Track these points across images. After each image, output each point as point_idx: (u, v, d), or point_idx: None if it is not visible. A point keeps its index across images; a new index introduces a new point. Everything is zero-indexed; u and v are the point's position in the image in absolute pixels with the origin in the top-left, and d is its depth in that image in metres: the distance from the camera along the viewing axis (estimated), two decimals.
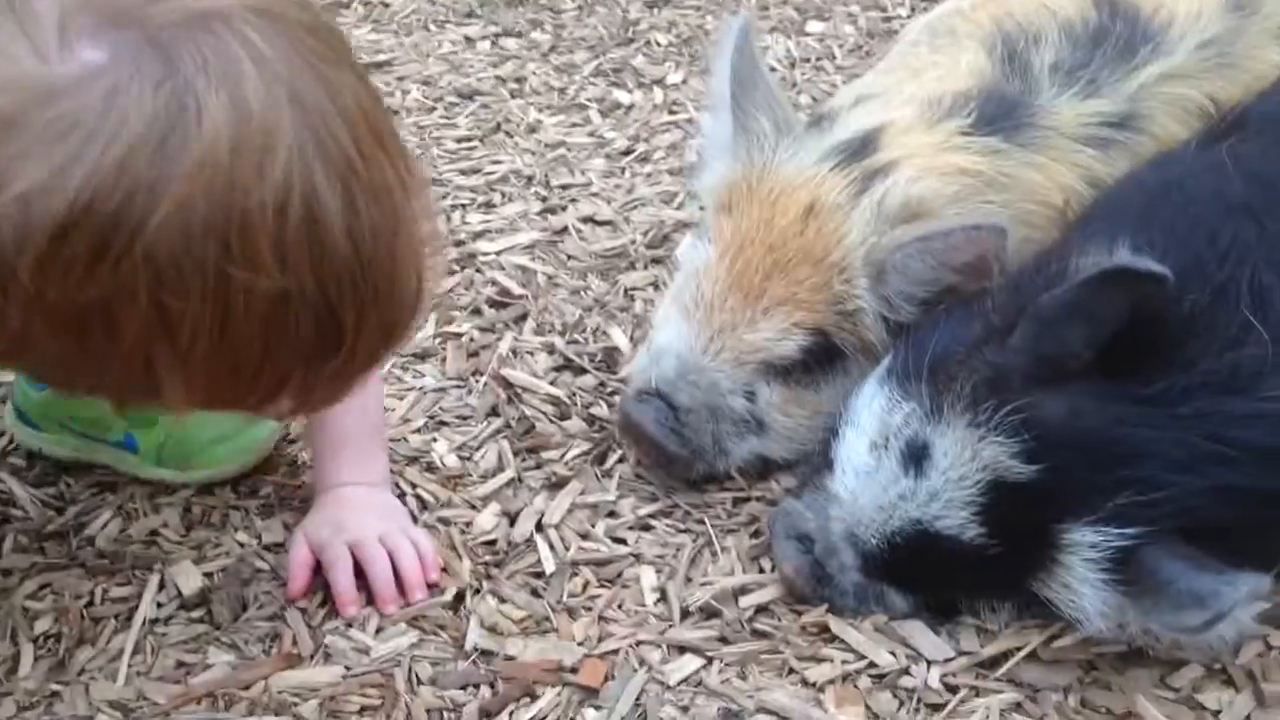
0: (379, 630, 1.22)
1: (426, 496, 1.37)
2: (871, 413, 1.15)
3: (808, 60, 2.39)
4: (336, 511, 1.27)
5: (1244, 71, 1.51)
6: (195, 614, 1.24)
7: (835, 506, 1.15)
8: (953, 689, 1.11)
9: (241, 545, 1.32)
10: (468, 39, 2.52)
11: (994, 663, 1.13)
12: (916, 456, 1.09)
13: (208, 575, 1.28)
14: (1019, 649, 1.12)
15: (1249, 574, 0.93)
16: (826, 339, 1.27)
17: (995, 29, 1.52)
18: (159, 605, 1.25)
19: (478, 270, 1.76)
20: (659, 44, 2.47)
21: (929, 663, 1.12)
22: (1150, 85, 1.44)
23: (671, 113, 2.20)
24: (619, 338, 1.60)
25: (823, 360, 1.28)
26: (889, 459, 1.11)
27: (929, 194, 1.24)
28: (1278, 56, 1.54)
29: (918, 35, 1.64)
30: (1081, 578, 1.01)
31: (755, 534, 1.29)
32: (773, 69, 2.36)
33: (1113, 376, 1.04)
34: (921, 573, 1.13)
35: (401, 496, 1.35)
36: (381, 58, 2.43)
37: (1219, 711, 1.07)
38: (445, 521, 1.34)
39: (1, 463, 1.42)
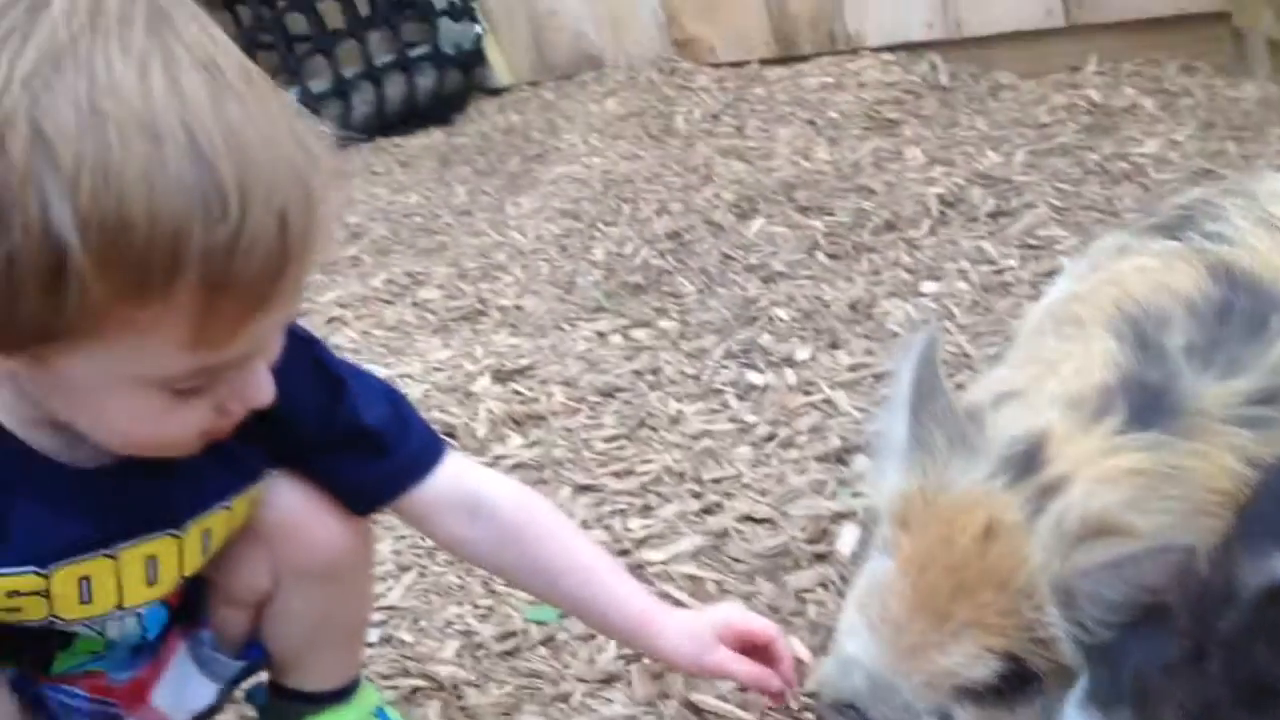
0: None
1: None
2: None
3: (927, 322, 2.47)
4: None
5: None
6: None
7: None
8: None
9: None
10: (600, 334, 2.67)
11: None
12: None
13: None
14: None
15: None
16: (1019, 663, 1.28)
17: (1119, 313, 1.57)
18: None
19: (649, 583, 1.82)
20: (781, 320, 2.59)
21: None
22: None
23: (806, 393, 2.28)
24: (799, 648, 1.63)
25: (1016, 684, 1.29)
26: None
27: (1107, 506, 1.28)
28: None
29: (1041, 323, 1.70)
30: None
31: None
32: (895, 334, 2.45)
33: None
34: None
35: None
36: (523, 362, 2.58)
37: None
38: None
39: None
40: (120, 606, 1.23)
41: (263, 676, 1.53)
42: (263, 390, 1.09)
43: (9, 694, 1.28)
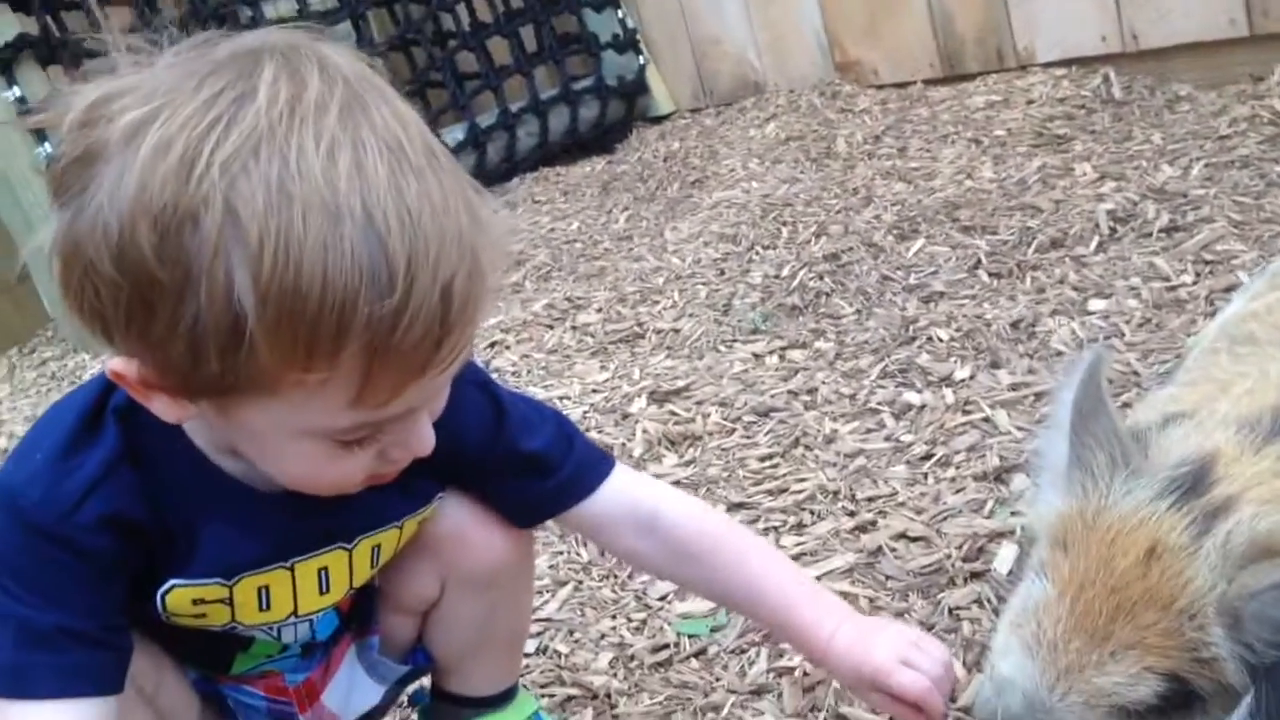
0: None
1: None
2: None
3: (1095, 340, 2.39)
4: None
5: None
6: None
7: None
8: None
9: None
10: (756, 356, 2.68)
11: None
12: None
13: None
14: None
15: None
16: (1182, 684, 1.24)
17: None
18: None
19: None
20: (941, 340, 2.55)
21: None
22: None
23: (965, 412, 2.24)
24: (953, 665, 1.61)
25: (1177, 704, 1.25)
26: None
27: (1276, 527, 1.22)
28: None
29: (1215, 341, 1.64)
30: None
31: None
32: (1059, 353, 2.38)
33: None
34: None
35: None
36: (680, 383, 2.61)
37: None
38: None
39: None
40: (295, 614, 1.31)
41: (425, 681, 1.59)
42: (425, 441, 1.14)
43: (192, 693, 1.36)
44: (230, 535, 1.22)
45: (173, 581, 1.21)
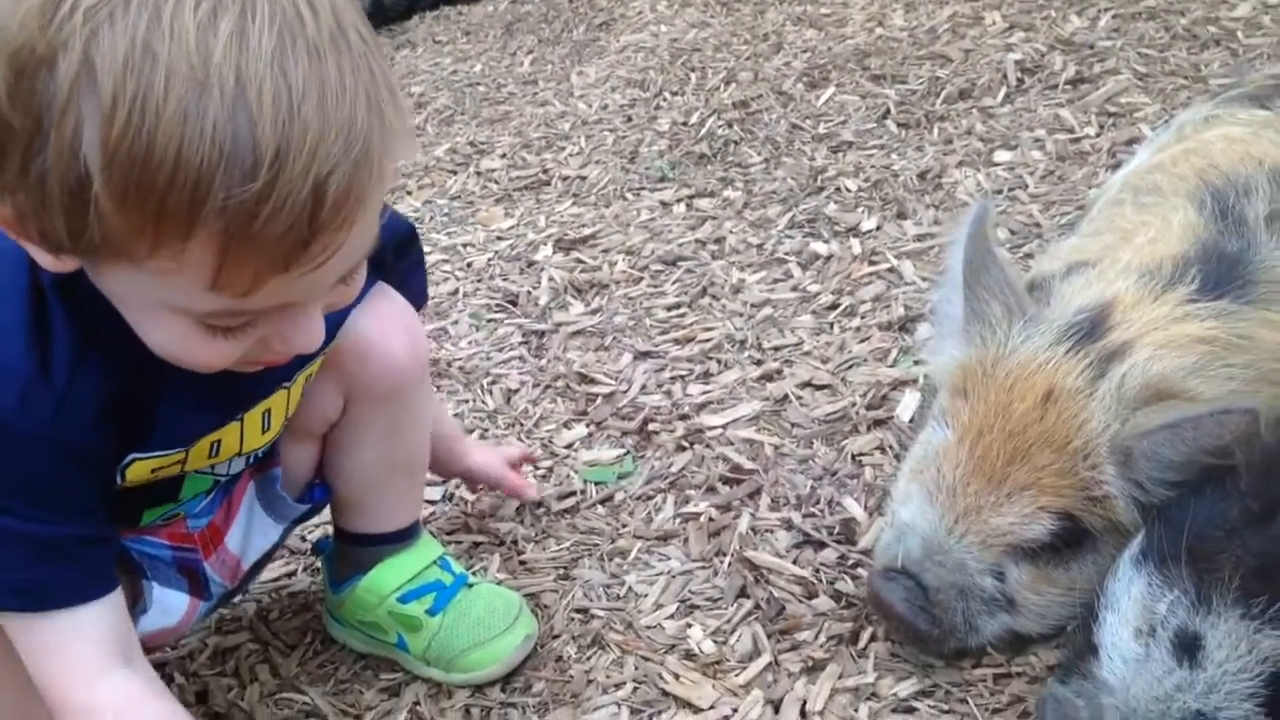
0: None
1: (689, 688, 1.43)
2: (1132, 598, 1.15)
3: (999, 191, 2.41)
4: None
5: None
6: None
7: (1107, 695, 1.15)
8: None
9: None
10: (664, 204, 2.65)
11: None
12: (1188, 647, 1.09)
13: None
14: None
15: None
16: (1075, 522, 1.28)
17: (1201, 183, 1.53)
18: None
19: (707, 446, 1.83)
20: (848, 190, 2.54)
21: None
22: None
23: (871, 263, 2.25)
24: (854, 508, 1.64)
25: (1071, 542, 1.29)
26: (1158, 648, 1.11)
27: (1169, 371, 1.26)
28: None
29: (1120, 193, 1.66)
30: None
31: (1023, 715, 1.30)
32: (964, 204, 2.40)
33: None
34: None
35: (664, 695, 1.42)
36: (586, 231, 2.57)
37: None
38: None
39: (300, 675, 1.55)
40: (240, 453, 1.30)
41: (329, 530, 1.58)
42: (308, 337, 1.07)
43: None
44: (187, 408, 1.18)
45: (133, 455, 1.17)
